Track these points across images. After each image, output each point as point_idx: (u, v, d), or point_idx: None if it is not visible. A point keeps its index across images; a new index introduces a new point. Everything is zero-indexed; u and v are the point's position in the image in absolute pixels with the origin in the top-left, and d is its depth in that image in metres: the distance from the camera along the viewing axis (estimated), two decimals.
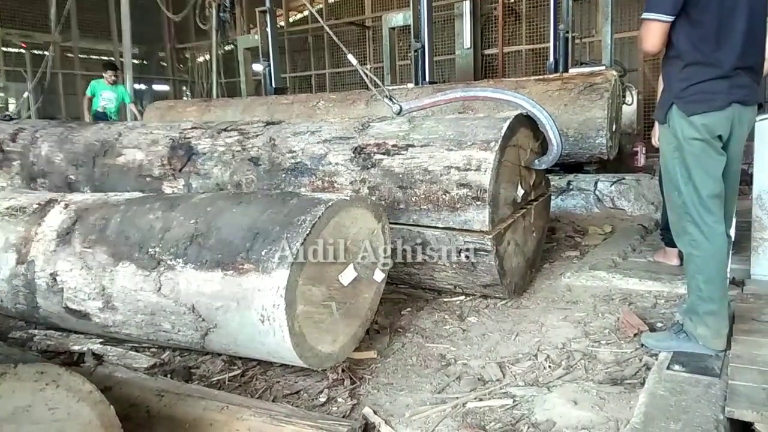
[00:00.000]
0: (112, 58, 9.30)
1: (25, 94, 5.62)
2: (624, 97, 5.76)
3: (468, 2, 10.46)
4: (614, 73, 5.22)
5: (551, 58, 6.74)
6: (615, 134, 5.28)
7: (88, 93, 8.25)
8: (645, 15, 2.12)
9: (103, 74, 8.19)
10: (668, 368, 2.08)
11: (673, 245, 3.06)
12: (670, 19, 2.08)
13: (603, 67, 6.14)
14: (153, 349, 2.51)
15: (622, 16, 9.39)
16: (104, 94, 8.15)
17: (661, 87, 2.46)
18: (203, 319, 2.14)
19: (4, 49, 12.46)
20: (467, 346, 2.54)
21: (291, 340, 1.95)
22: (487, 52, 10.92)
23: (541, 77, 5.61)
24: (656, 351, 2.27)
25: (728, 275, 2.42)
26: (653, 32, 2.12)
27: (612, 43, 6.85)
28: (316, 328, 2.08)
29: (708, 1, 2.05)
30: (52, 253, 2.52)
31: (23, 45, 12.08)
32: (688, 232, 2.19)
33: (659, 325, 2.61)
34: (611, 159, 5.24)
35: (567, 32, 6.61)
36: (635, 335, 2.47)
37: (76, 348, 2.49)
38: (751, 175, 3.05)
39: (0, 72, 12.45)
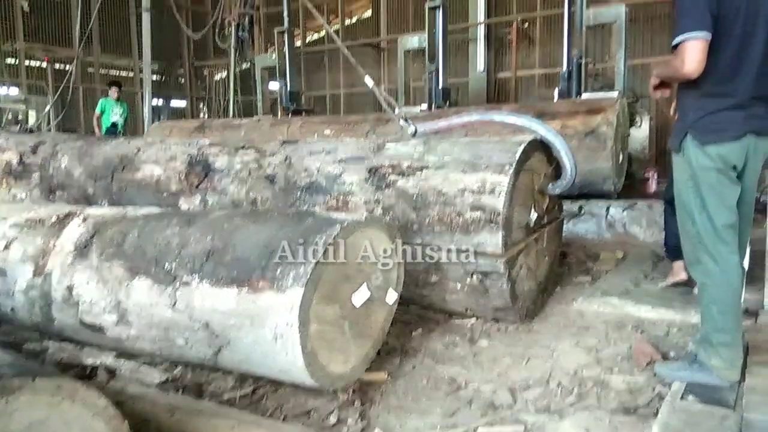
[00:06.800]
0: (120, 75, 10.03)
1: (47, 108, 5.73)
2: (633, 121, 5.78)
3: (482, 27, 10.60)
4: (616, 107, 5.19)
5: (561, 85, 6.77)
6: (622, 164, 5.30)
7: (98, 111, 9.22)
8: (685, 36, 2.01)
9: (109, 91, 9.27)
10: (682, 398, 2.06)
11: (676, 258, 3.20)
12: (710, 36, 2.01)
13: (616, 93, 6.19)
14: (165, 365, 2.52)
15: (635, 44, 9.45)
16: (114, 110, 9.19)
17: (673, 112, 2.48)
18: (217, 336, 2.15)
19: (27, 62, 12.73)
20: (478, 369, 2.53)
21: (303, 359, 1.96)
22: (500, 75, 11.01)
23: (540, 110, 5.57)
24: (670, 381, 2.25)
25: (742, 305, 2.40)
26: (696, 51, 2.01)
27: (625, 70, 6.89)
28: (327, 348, 2.09)
29: (729, 27, 2.04)
30: (69, 265, 2.55)
31: (46, 59, 12.35)
32: (702, 262, 2.18)
33: (672, 354, 2.58)
34: (619, 191, 5.27)
35: (581, 58, 6.66)
36: (648, 364, 2.45)
37: (89, 361, 2.50)
38: (764, 204, 3.04)
39: (22, 85, 12.70)
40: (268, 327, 2.00)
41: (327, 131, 6.54)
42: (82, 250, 2.56)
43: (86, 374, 2.43)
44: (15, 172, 4.52)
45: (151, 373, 2.39)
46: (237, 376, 2.40)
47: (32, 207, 3.10)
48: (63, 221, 2.78)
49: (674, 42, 2.07)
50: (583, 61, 6.70)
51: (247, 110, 12.38)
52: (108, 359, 2.50)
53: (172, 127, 8.42)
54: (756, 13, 2.07)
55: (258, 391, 2.32)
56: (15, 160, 4.54)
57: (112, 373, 2.39)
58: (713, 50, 2.05)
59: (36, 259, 2.67)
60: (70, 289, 2.51)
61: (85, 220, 2.73)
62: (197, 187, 3.52)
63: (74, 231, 2.68)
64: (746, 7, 2.05)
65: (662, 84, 2.34)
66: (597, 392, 2.26)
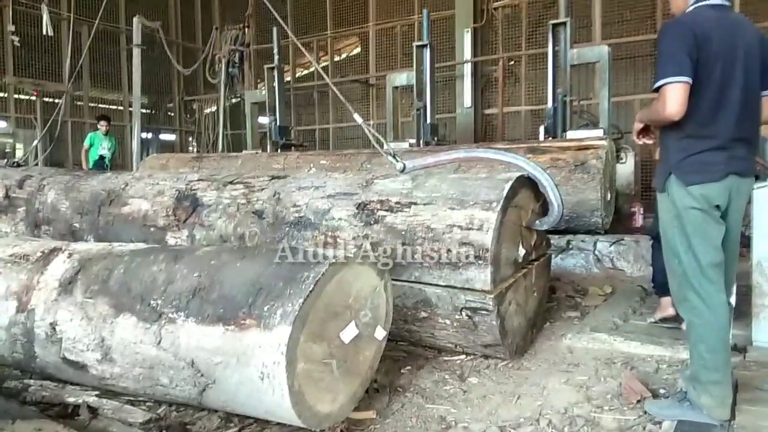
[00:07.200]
0: (109, 109, 10.04)
1: (35, 142, 5.72)
2: (618, 158, 5.87)
3: (469, 64, 10.82)
4: (605, 144, 5.29)
5: (546, 122, 6.88)
6: (609, 203, 5.35)
7: (86, 144, 9.38)
8: (666, 80, 2.07)
9: (98, 125, 9.33)
10: None
11: (664, 294, 3.26)
12: (690, 81, 2.07)
13: (601, 131, 6.29)
14: (149, 404, 2.46)
15: (619, 81, 9.67)
16: (103, 144, 9.30)
17: (657, 152, 2.52)
18: (202, 375, 2.11)
19: (16, 96, 12.73)
20: (468, 408, 2.50)
21: (290, 399, 1.93)
22: (487, 111, 11.20)
23: (531, 146, 5.66)
24: (660, 419, 2.24)
25: (730, 341, 2.41)
26: (677, 94, 2.06)
27: (609, 107, 7.03)
28: (315, 387, 2.05)
29: (709, 72, 2.10)
30: (53, 302, 2.51)
31: (35, 92, 12.35)
32: (689, 300, 2.20)
33: (662, 391, 2.57)
34: (607, 228, 5.30)
35: (565, 96, 6.79)
36: (638, 401, 2.44)
37: (71, 400, 2.44)
38: (749, 238, 3.08)
39: (11, 118, 12.67)
40: (254, 365, 1.97)
41: (323, 161, 6.63)
42: (66, 287, 2.53)
43: (68, 413, 2.37)
44: (0, 207, 4.48)
45: (135, 413, 2.33)
46: (222, 415, 2.35)
47: (17, 242, 3.07)
48: (48, 257, 2.75)
49: (655, 86, 2.13)
50: (568, 99, 6.83)
51: (236, 144, 12.43)
52: (90, 398, 2.44)
53: (169, 158, 8.50)
54: (734, 58, 2.14)
55: (244, 430, 2.27)
56: (1, 195, 4.50)
57: (94, 412, 2.33)
58: (694, 93, 2.10)
59: (19, 295, 2.63)
60: (53, 325, 2.47)
61: (70, 255, 2.71)
62: (185, 221, 3.51)
63: (59, 267, 2.65)
64: (724, 53, 2.12)
65: (645, 130, 2.39)
66: (588, 431, 2.24)
